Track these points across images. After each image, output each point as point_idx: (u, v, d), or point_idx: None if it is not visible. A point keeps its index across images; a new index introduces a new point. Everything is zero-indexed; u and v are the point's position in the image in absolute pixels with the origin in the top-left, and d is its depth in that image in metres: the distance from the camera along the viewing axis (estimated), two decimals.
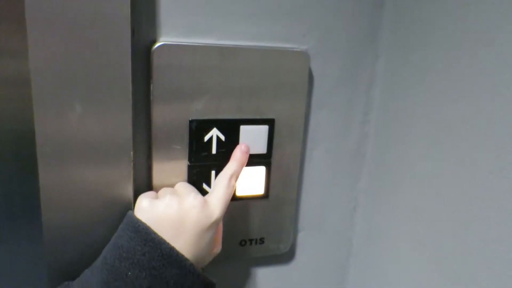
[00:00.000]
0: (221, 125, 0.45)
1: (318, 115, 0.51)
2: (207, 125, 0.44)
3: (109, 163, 0.40)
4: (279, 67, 0.45)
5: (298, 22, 0.47)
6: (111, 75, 0.38)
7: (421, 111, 0.46)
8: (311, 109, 0.51)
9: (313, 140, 0.52)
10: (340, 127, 0.53)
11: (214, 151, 0.45)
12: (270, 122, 0.47)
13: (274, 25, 0.46)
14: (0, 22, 0.40)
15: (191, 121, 0.44)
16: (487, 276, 0.38)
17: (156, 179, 0.44)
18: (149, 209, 0.38)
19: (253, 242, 0.51)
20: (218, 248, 0.43)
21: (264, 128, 0.47)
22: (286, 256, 0.56)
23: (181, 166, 0.45)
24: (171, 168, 0.44)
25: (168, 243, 0.37)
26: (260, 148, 0.47)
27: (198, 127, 0.44)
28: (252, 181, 0.48)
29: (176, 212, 0.38)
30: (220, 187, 0.42)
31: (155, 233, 0.37)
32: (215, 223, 0.40)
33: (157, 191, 0.44)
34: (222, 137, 0.45)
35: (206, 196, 0.41)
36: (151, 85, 0.42)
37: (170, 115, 0.43)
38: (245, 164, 0.45)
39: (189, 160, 0.45)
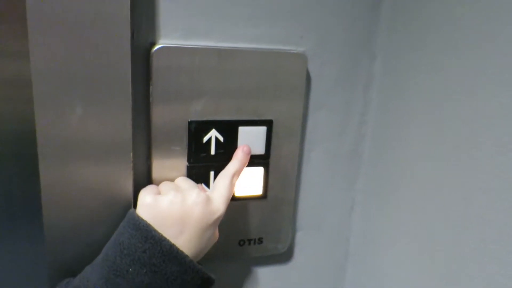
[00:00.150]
0: (220, 126, 0.45)
1: (316, 116, 0.52)
2: (206, 126, 0.45)
3: (109, 163, 0.40)
4: (277, 68, 0.46)
5: (296, 24, 0.47)
6: (111, 77, 0.38)
7: (418, 112, 0.46)
8: (309, 110, 0.51)
9: (311, 140, 0.52)
10: (337, 127, 0.53)
11: (213, 152, 0.45)
12: (268, 123, 0.47)
13: (272, 27, 0.46)
14: (1, 24, 0.41)
15: (190, 122, 0.44)
16: (484, 275, 0.38)
17: (156, 179, 0.45)
18: (153, 205, 0.39)
19: (252, 242, 0.51)
20: (216, 238, 0.44)
21: (262, 129, 0.47)
22: (284, 256, 0.56)
23: (180, 166, 0.45)
24: (170, 168, 0.45)
25: (168, 240, 0.37)
26: (259, 149, 0.47)
27: (197, 128, 0.44)
28: (250, 182, 0.48)
29: (180, 209, 0.39)
30: (222, 184, 0.42)
31: (155, 231, 0.37)
32: (218, 220, 0.41)
33: None
34: (221, 138, 0.45)
35: (209, 193, 0.41)
36: (151, 87, 0.42)
37: (169, 116, 0.43)
38: (246, 165, 0.46)
39: (188, 160, 0.45)
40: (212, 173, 0.46)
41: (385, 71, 0.51)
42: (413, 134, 0.47)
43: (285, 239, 0.53)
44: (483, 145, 0.37)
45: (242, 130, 0.46)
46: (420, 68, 0.46)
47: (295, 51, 0.47)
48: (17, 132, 0.44)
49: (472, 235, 0.39)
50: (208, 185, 0.46)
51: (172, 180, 0.45)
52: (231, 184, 0.43)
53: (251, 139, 0.47)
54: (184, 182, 0.43)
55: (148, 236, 0.37)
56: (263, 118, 0.47)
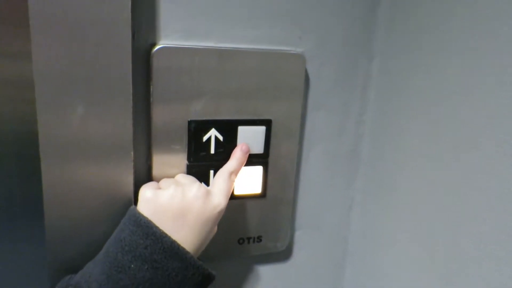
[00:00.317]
0: (220, 125, 0.46)
1: (314, 116, 0.52)
2: (205, 125, 0.45)
3: (110, 162, 0.41)
4: (276, 69, 0.47)
5: (295, 25, 0.48)
6: (112, 77, 0.39)
7: (415, 112, 0.47)
8: (308, 110, 0.52)
9: (310, 140, 0.53)
10: (336, 127, 0.54)
11: (212, 151, 0.46)
12: (267, 123, 0.48)
13: (271, 28, 0.47)
14: (3, 25, 0.41)
15: (190, 122, 0.45)
16: (483, 274, 0.38)
17: (156, 178, 0.45)
18: (154, 200, 0.39)
19: (251, 240, 0.52)
20: (214, 232, 0.44)
21: (262, 129, 0.48)
22: (283, 254, 0.57)
23: (180, 165, 0.46)
24: (170, 167, 0.45)
25: (169, 237, 0.38)
26: (258, 148, 0.48)
27: (197, 128, 0.45)
28: (249, 181, 0.49)
29: (180, 203, 0.39)
30: (221, 180, 0.43)
31: (156, 227, 0.38)
32: (219, 214, 0.41)
33: None
34: (221, 138, 0.46)
35: (209, 188, 0.42)
36: (151, 87, 0.43)
37: (169, 116, 0.44)
38: (244, 164, 0.46)
39: (188, 159, 0.46)
40: (211, 172, 0.46)
41: (383, 71, 0.52)
42: (411, 134, 0.47)
43: (284, 238, 0.54)
44: (481, 145, 0.38)
45: (242, 130, 0.47)
46: (418, 69, 0.46)
47: (294, 52, 0.48)
48: (18, 132, 0.44)
49: (470, 234, 0.39)
50: (207, 184, 0.47)
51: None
52: (230, 181, 0.43)
53: (250, 138, 0.47)
54: (185, 178, 0.44)
55: (149, 232, 0.37)
56: (262, 118, 0.47)
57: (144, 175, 0.46)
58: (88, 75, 0.38)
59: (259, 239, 0.52)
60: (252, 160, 0.48)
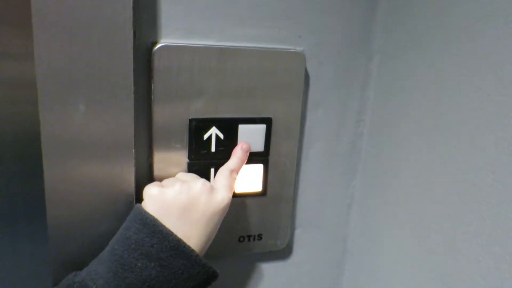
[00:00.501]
0: (220, 124, 0.46)
1: (314, 114, 0.52)
2: (206, 124, 0.45)
3: (112, 160, 0.41)
4: (276, 67, 0.47)
5: (294, 24, 0.48)
6: (114, 76, 0.39)
7: (414, 110, 0.47)
8: (307, 109, 0.52)
9: (309, 138, 0.53)
10: (335, 126, 0.54)
11: (213, 149, 0.46)
12: (267, 121, 0.48)
13: (271, 27, 0.47)
14: (5, 26, 0.41)
15: (191, 120, 0.45)
16: (481, 271, 0.38)
17: (157, 176, 0.46)
18: (160, 197, 0.40)
19: (251, 238, 0.52)
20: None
21: (262, 127, 0.48)
22: (283, 252, 0.57)
23: (181, 163, 0.46)
24: (171, 165, 0.46)
25: (175, 235, 0.38)
26: (258, 146, 0.48)
27: (198, 126, 0.45)
28: (250, 179, 0.49)
29: (186, 199, 0.39)
30: (222, 177, 0.43)
31: (162, 225, 0.38)
32: (224, 209, 0.41)
33: None
34: (221, 136, 0.46)
35: (212, 183, 0.42)
36: (152, 85, 0.43)
37: (170, 114, 0.44)
38: (245, 162, 0.46)
39: (189, 157, 0.46)
40: (212, 170, 0.47)
41: (382, 70, 0.52)
42: (410, 133, 0.48)
43: (284, 236, 0.54)
44: (480, 143, 0.38)
45: (242, 128, 0.47)
46: (416, 67, 0.46)
47: (293, 51, 0.48)
48: (19, 132, 0.44)
49: (469, 233, 0.39)
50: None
51: (174, 176, 0.46)
52: (232, 178, 0.44)
53: (250, 136, 0.47)
54: (187, 175, 0.44)
55: (155, 230, 0.37)
56: (263, 116, 0.48)
57: (145, 173, 0.46)
58: (90, 74, 0.38)
59: (260, 237, 0.53)
60: (252, 158, 0.48)
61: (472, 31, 0.39)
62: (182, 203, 0.39)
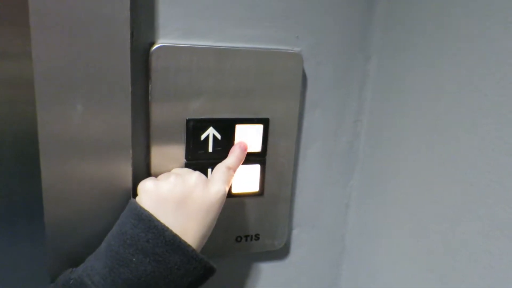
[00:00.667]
0: (217, 124, 0.46)
1: (311, 115, 0.53)
2: (203, 124, 0.46)
3: (109, 160, 0.41)
4: (273, 68, 0.47)
5: (292, 24, 0.48)
6: (111, 76, 0.39)
7: (412, 110, 0.47)
8: (305, 109, 0.52)
9: (307, 138, 0.53)
10: (333, 126, 0.54)
11: (210, 149, 0.46)
12: (264, 122, 0.48)
13: (269, 28, 0.47)
14: (3, 25, 0.42)
15: (188, 120, 0.45)
16: (478, 270, 0.39)
17: (154, 175, 0.45)
18: (155, 190, 0.40)
19: (249, 238, 0.52)
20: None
21: (259, 127, 0.48)
22: (281, 252, 0.57)
23: (178, 163, 0.46)
24: (168, 165, 0.46)
25: (171, 230, 0.38)
26: (255, 146, 0.48)
27: (195, 126, 0.45)
28: (247, 179, 0.49)
29: (181, 191, 0.39)
30: (219, 172, 0.43)
31: (158, 220, 0.38)
32: (220, 200, 0.41)
33: None
34: (218, 136, 0.46)
35: (208, 178, 0.43)
36: (150, 85, 0.43)
37: (168, 114, 0.44)
38: (242, 161, 0.47)
39: (186, 158, 0.46)
40: (209, 170, 0.47)
41: (380, 70, 0.52)
42: (407, 133, 0.48)
43: (282, 236, 0.54)
44: (476, 143, 0.38)
45: (239, 128, 0.47)
46: (414, 68, 0.46)
47: (291, 51, 0.48)
48: (17, 132, 0.44)
49: (466, 232, 0.40)
50: None
51: None
52: (229, 174, 0.44)
53: (248, 137, 0.48)
54: (182, 170, 0.44)
55: (151, 226, 0.38)
56: (260, 116, 0.48)
57: (143, 173, 0.46)
58: (87, 74, 0.38)
59: (257, 237, 0.53)
60: (249, 158, 0.48)
61: (470, 31, 0.39)
62: (178, 196, 0.39)
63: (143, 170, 0.46)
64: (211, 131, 0.46)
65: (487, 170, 0.37)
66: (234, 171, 0.45)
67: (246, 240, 0.52)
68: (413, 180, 0.47)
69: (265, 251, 0.55)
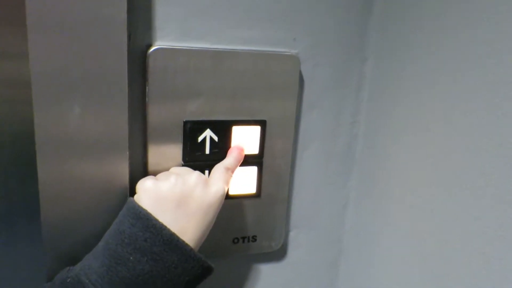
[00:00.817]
0: (214, 126, 0.46)
1: (309, 116, 0.53)
2: (200, 126, 0.46)
3: (106, 161, 0.41)
4: (270, 70, 0.47)
5: (289, 27, 0.48)
6: (109, 77, 0.39)
7: (408, 112, 0.47)
8: (302, 111, 0.52)
9: (304, 140, 0.54)
10: (330, 127, 0.54)
11: (207, 151, 0.46)
12: (262, 123, 0.48)
13: (266, 30, 0.47)
14: (1, 25, 0.42)
15: (185, 122, 0.45)
16: (473, 271, 0.39)
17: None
18: (154, 189, 0.40)
19: (246, 240, 0.52)
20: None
21: (256, 129, 0.48)
22: (278, 254, 0.57)
23: (176, 165, 0.46)
24: (165, 167, 0.46)
25: (168, 229, 0.38)
26: (252, 148, 0.48)
27: (192, 128, 0.45)
28: (244, 181, 0.49)
29: (181, 191, 0.39)
30: (218, 172, 0.43)
31: (156, 219, 0.38)
32: (220, 200, 0.41)
33: None
34: (215, 138, 0.46)
35: (208, 177, 0.43)
36: (147, 87, 0.43)
37: (165, 116, 0.44)
38: (240, 162, 0.47)
39: (183, 159, 0.46)
40: (206, 172, 0.47)
41: (377, 72, 0.52)
42: (404, 134, 0.48)
43: (279, 237, 0.54)
44: (473, 145, 0.38)
45: (236, 130, 0.47)
46: (411, 70, 0.46)
47: (288, 53, 0.48)
48: (18, 132, 0.44)
49: (463, 232, 0.40)
50: None
51: None
52: (227, 174, 0.44)
53: (245, 138, 0.48)
54: (181, 169, 0.44)
55: (148, 225, 0.38)
56: (257, 118, 0.48)
57: (140, 174, 0.46)
58: (85, 75, 0.38)
59: (254, 238, 0.53)
60: (247, 160, 0.48)
61: (466, 34, 0.39)
62: (177, 195, 0.39)
63: (140, 171, 0.46)
64: (208, 133, 0.46)
65: (483, 172, 0.37)
66: (233, 171, 0.45)
67: (244, 241, 0.52)
68: (410, 181, 0.47)
69: (262, 253, 0.55)
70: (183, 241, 0.38)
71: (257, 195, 0.51)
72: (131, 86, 0.41)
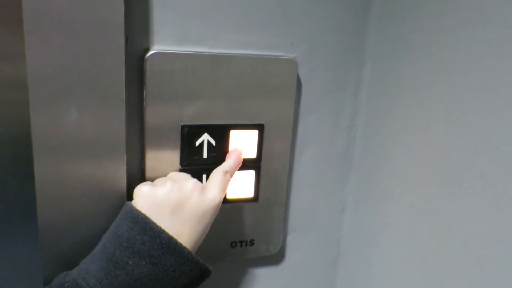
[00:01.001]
0: (212, 130, 0.46)
1: (306, 120, 0.53)
2: (198, 130, 0.46)
3: (103, 165, 0.41)
4: (268, 74, 0.47)
5: (287, 31, 0.48)
6: (106, 81, 0.39)
7: (406, 115, 0.47)
8: (300, 114, 0.52)
9: (302, 144, 0.53)
10: (328, 131, 0.54)
11: (205, 155, 0.46)
12: (259, 127, 0.48)
13: (263, 34, 0.47)
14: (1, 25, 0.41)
15: (183, 126, 0.45)
16: (472, 273, 0.39)
17: (150, 181, 0.45)
18: (150, 195, 0.40)
19: (244, 243, 0.52)
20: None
21: (254, 133, 0.48)
22: (276, 257, 0.57)
23: (173, 169, 0.46)
24: (163, 171, 0.46)
25: (167, 233, 0.38)
26: (250, 152, 0.48)
27: (190, 132, 0.45)
28: (242, 185, 0.49)
29: (177, 197, 0.39)
30: (216, 178, 0.43)
31: (154, 223, 0.38)
32: (215, 207, 0.41)
33: None
34: (213, 142, 0.46)
35: (205, 184, 0.43)
36: (144, 91, 0.43)
37: (162, 120, 0.44)
38: (239, 165, 0.47)
39: (181, 163, 0.46)
40: (204, 176, 0.47)
41: (375, 76, 0.53)
42: (402, 137, 0.48)
43: (277, 241, 0.54)
44: (472, 147, 0.38)
45: (234, 134, 0.47)
46: (409, 73, 0.47)
47: (286, 57, 0.48)
48: (16, 133, 0.44)
49: (461, 233, 0.40)
50: None
51: None
52: (225, 179, 0.44)
53: (242, 142, 0.48)
54: (179, 175, 0.44)
55: (147, 228, 0.38)
56: (255, 122, 0.48)
57: (138, 178, 0.46)
58: (82, 79, 0.38)
59: (252, 242, 0.53)
60: (244, 164, 0.48)
61: (465, 36, 0.39)
62: (173, 201, 0.39)
63: (138, 175, 0.46)
64: (205, 137, 0.46)
65: (482, 172, 0.37)
66: (231, 175, 0.45)
67: (241, 245, 0.52)
68: (408, 184, 0.47)
69: (260, 257, 0.55)
70: (181, 244, 0.38)
71: (255, 199, 0.51)
72: (128, 90, 0.41)
